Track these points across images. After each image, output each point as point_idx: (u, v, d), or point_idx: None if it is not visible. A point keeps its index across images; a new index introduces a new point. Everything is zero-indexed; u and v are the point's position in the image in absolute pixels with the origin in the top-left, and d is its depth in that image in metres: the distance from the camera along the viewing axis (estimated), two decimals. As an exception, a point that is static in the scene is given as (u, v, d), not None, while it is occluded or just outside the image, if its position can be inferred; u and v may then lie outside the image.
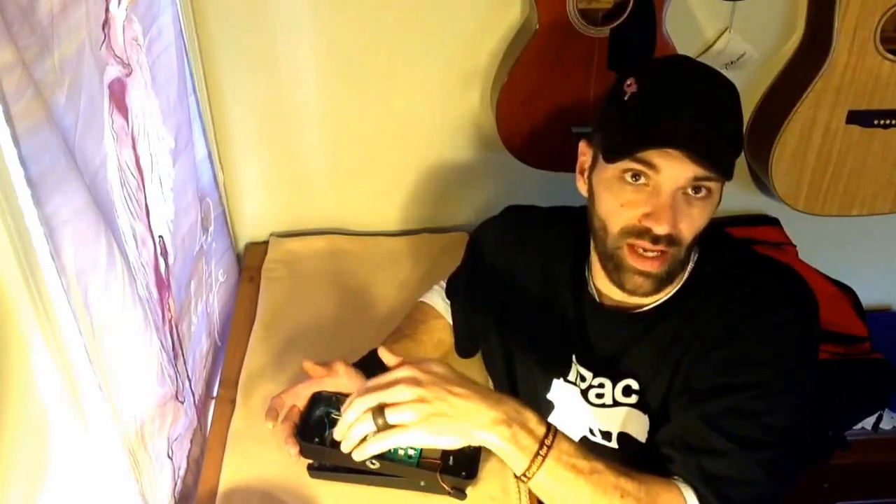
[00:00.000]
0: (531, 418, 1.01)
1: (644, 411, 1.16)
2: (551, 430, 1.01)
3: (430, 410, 0.99)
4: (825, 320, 1.71)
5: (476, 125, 1.74)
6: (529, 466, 0.99)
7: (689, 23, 1.62)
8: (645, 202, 1.03)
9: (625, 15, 1.48)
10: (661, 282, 1.08)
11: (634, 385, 1.16)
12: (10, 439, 0.79)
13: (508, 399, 1.02)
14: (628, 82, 1.05)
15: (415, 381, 1.00)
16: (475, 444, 1.01)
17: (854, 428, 1.80)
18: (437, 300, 1.44)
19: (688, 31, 1.62)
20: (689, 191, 1.02)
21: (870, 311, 1.82)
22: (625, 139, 1.03)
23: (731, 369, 1.05)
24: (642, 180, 1.03)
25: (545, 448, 0.99)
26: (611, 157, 1.04)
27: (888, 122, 1.63)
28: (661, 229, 1.02)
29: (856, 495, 1.87)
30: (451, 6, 1.59)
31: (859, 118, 1.62)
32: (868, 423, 1.79)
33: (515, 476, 1.02)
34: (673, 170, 1.00)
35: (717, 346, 1.07)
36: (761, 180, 1.82)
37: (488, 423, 0.99)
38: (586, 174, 1.14)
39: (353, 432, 1.02)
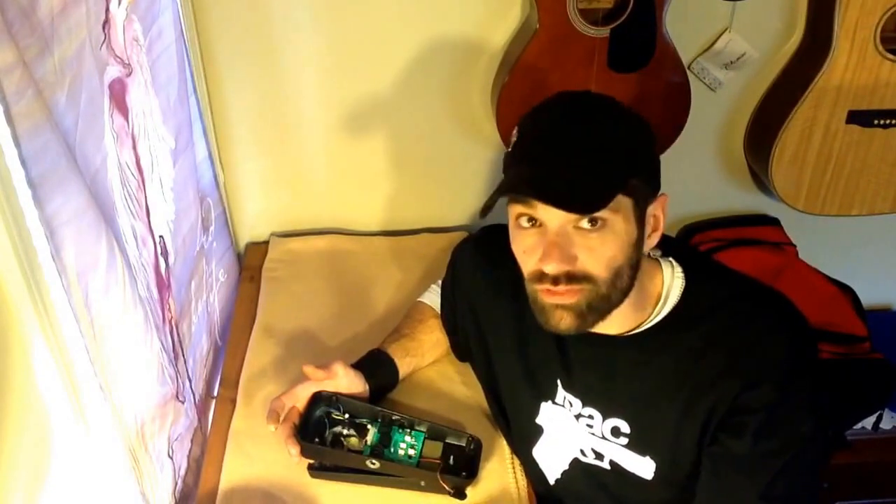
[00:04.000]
0: None
1: (641, 454, 1.12)
2: None
3: None
4: (825, 321, 1.72)
5: (476, 125, 1.74)
6: None
7: (690, 23, 1.62)
8: (540, 244, 1.01)
9: (625, 15, 1.48)
10: (583, 315, 1.03)
11: (625, 428, 1.13)
12: (12, 439, 0.79)
13: None
14: (514, 132, 1.05)
15: None
16: None
17: (854, 428, 1.80)
18: (434, 300, 1.44)
19: (688, 31, 1.62)
20: (583, 223, 0.99)
21: (870, 311, 1.82)
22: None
23: (763, 439, 1.03)
24: (537, 223, 1.02)
25: None
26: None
27: (888, 121, 1.63)
28: (550, 268, 1.00)
29: (856, 495, 1.87)
30: (452, 6, 1.59)
31: (859, 118, 1.62)
32: (868, 422, 1.80)
33: None
34: (548, 211, 0.99)
35: (739, 413, 1.03)
36: (761, 180, 1.82)
37: None
38: None
39: None
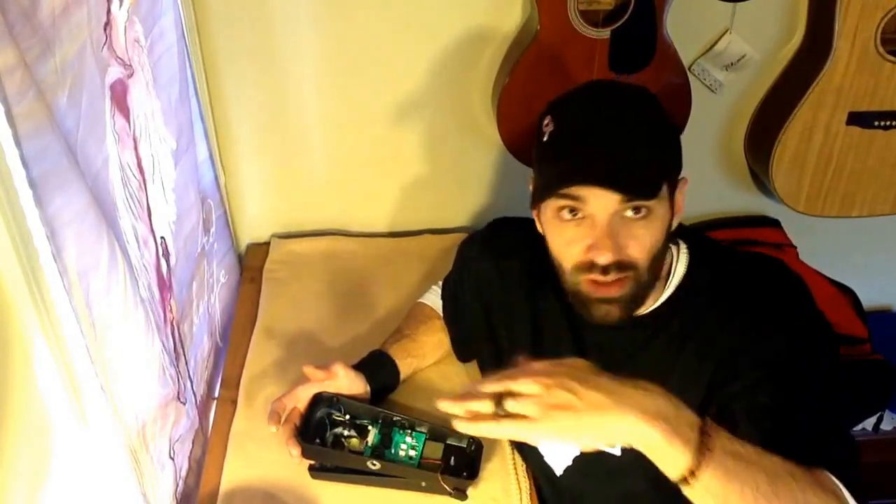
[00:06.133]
0: (685, 407, 0.87)
1: None
2: (706, 419, 0.87)
3: (553, 402, 0.85)
4: (826, 321, 1.72)
5: (477, 126, 1.74)
6: (697, 464, 0.82)
7: (690, 24, 1.62)
8: (586, 235, 1.02)
9: (626, 16, 1.48)
10: (628, 305, 1.06)
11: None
12: (13, 440, 0.79)
13: (659, 389, 0.87)
14: (546, 122, 1.05)
15: (546, 373, 0.89)
16: (616, 442, 0.88)
17: (855, 429, 1.80)
18: (435, 301, 1.45)
19: (688, 32, 1.62)
20: (628, 213, 1.01)
21: (870, 312, 1.82)
22: (546, 180, 1.03)
23: (764, 385, 1.02)
24: (579, 214, 1.02)
25: (708, 437, 0.84)
26: (537, 199, 1.05)
27: (888, 123, 1.63)
28: (603, 258, 1.00)
29: (856, 496, 1.87)
30: (453, 7, 1.60)
31: (859, 119, 1.62)
32: (869, 423, 1.80)
33: (674, 481, 0.85)
34: (599, 199, 1.00)
35: (738, 359, 1.04)
36: (762, 181, 1.82)
37: (637, 417, 0.83)
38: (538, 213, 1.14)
39: (468, 406, 0.90)
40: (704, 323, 1.08)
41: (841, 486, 0.93)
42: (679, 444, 0.83)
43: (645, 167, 1.01)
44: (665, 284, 1.12)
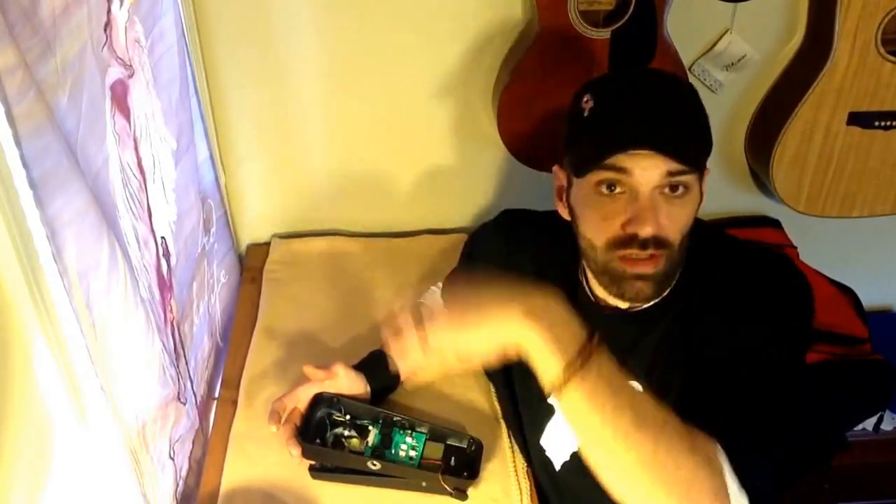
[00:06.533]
0: (573, 320, 0.90)
1: None
2: (595, 336, 0.90)
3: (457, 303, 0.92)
4: (826, 322, 1.72)
5: (477, 126, 1.74)
6: (566, 377, 0.86)
7: (691, 24, 1.62)
8: (624, 210, 1.02)
9: (626, 17, 1.48)
10: (659, 283, 1.07)
11: (638, 388, 1.15)
12: (13, 440, 0.79)
13: (558, 296, 0.91)
14: (585, 99, 1.05)
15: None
16: (504, 341, 0.89)
17: (855, 429, 1.80)
18: (435, 301, 1.44)
19: (689, 32, 1.62)
20: (666, 190, 1.01)
21: (870, 313, 1.82)
22: (592, 149, 1.03)
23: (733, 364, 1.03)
24: (618, 189, 1.02)
25: (587, 355, 0.86)
26: (582, 170, 1.04)
27: (888, 123, 1.63)
28: (645, 231, 1.01)
29: (856, 496, 1.87)
30: (453, 8, 1.60)
31: (860, 120, 1.62)
32: (869, 423, 1.79)
33: (546, 390, 0.88)
34: (645, 170, 1.00)
35: (720, 343, 1.05)
36: (762, 181, 1.82)
37: (519, 314, 0.87)
38: (564, 197, 1.14)
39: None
40: (698, 321, 1.08)
41: (725, 464, 0.92)
42: (555, 351, 0.86)
43: (691, 136, 1.02)
44: None
